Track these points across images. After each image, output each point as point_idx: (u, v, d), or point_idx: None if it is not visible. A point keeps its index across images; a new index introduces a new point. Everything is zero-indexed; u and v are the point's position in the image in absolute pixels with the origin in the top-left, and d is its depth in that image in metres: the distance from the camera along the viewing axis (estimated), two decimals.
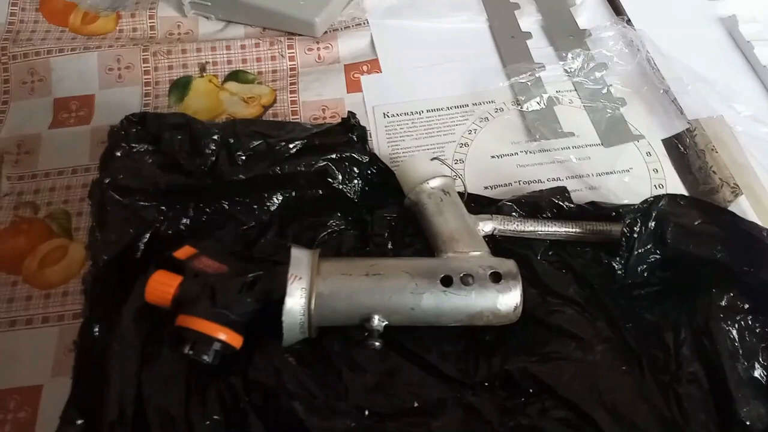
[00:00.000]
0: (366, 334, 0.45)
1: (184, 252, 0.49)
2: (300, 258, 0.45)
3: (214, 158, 0.51)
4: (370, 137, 0.61)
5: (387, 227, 0.53)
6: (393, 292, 0.45)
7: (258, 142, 0.52)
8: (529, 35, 0.69)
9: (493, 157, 0.60)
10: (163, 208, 0.53)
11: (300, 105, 0.64)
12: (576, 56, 0.64)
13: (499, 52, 0.68)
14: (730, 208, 0.53)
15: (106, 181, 0.51)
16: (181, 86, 0.66)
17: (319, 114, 0.63)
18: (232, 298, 0.45)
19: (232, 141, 0.52)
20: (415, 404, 0.44)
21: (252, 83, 0.66)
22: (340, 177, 0.54)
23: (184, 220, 0.53)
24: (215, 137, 0.52)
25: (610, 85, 0.64)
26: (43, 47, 0.68)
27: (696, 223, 0.46)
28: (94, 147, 0.61)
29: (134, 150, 0.53)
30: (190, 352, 0.43)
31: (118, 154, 0.53)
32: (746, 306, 0.46)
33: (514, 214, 0.52)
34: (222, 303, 0.44)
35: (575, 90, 0.64)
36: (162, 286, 0.46)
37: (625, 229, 0.47)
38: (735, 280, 0.46)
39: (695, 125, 0.59)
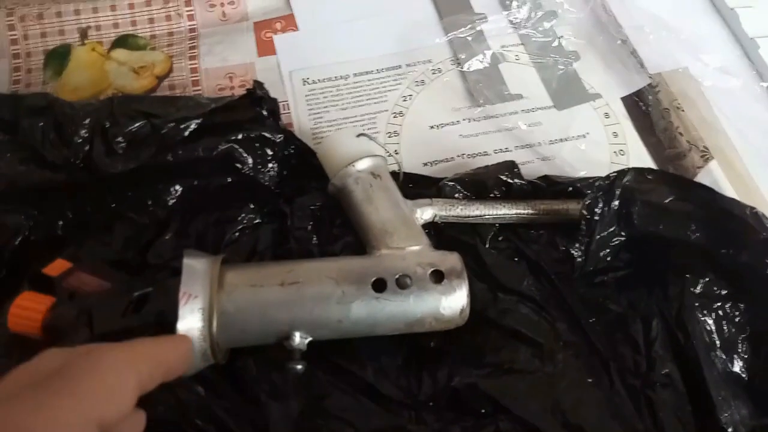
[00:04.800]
0: (286, 354, 0.37)
1: (55, 267, 0.40)
2: (195, 269, 0.37)
3: (87, 147, 0.42)
4: (288, 109, 0.52)
5: (310, 218, 0.45)
6: (315, 303, 0.37)
7: (140, 124, 0.42)
8: None
9: (431, 127, 0.52)
10: (32, 211, 0.43)
11: (202, 73, 0.54)
12: (522, 4, 0.56)
13: (434, 1, 0.59)
14: (699, 175, 0.47)
15: None
16: (58, 57, 0.55)
17: (225, 83, 0.53)
18: (114, 324, 0.36)
19: (107, 125, 0.42)
20: None
21: (144, 49, 0.55)
22: (250, 161, 0.45)
23: (62, 224, 0.44)
24: (86, 121, 0.42)
25: (561, 36, 0.56)
26: None
27: (667, 200, 0.39)
28: None
29: None
30: None
31: None
32: (723, 292, 0.40)
33: (457, 195, 0.45)
34: (101, 330, 0.36)
35: (522, 44, 0.56)
36: (27, 312, 0.37)
37: (584, 210, 0.40)
38: (711, 262, 0.40)
39: (658, 80, 0.52)
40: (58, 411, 0.25)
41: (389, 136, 0.51)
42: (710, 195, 0.39)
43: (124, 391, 0.28)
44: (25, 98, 0.43)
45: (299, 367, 0.37)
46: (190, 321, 0.35)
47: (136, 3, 0.57)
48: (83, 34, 0.56)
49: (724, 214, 0.38)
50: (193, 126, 0.43)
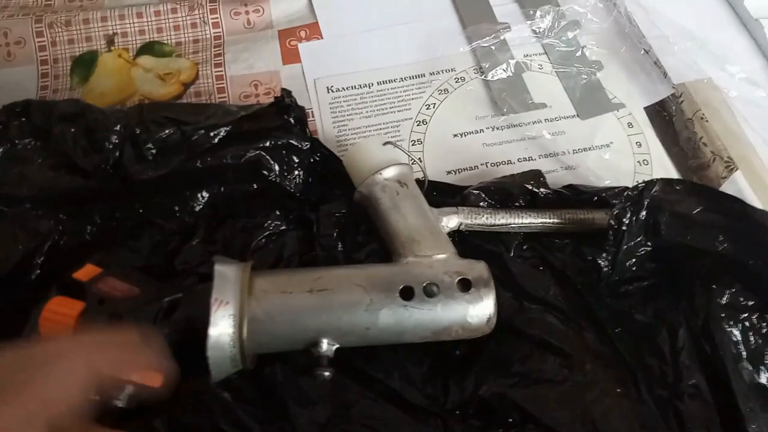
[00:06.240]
0: (314, 361, 0.37)
1: (85, 272, 0.40)
2: (226, 276, 0.37)
3: (117, 154, 0.42)
4: (312, 117, 0.53)
5: (336, 225, 0.46)
6: (343, 310, 0.37)
7: (171, 131, 0.43)
8: None
9: (455, 135, 0.52)
10: (62, 216, 0.44)
11: (227, 80, 0.54)
12: (545, 14, 0.56)
13: (457, 10, 0.59)
14: (724, 185, 0.47)
15: None
16: (84, 63, 0.55)
17: (250, 91, 0.54)
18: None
19: (138, 131, 0.42)
20: None
21: (169, 56, 0.56)
22: (276, 168, 0.46)
23: (91, 230, 0.44)
24: (117, 128, 0.42)
25: (584, 46, 0.56)
26: None
27: (695, 210, 0.39)
28: None
29: (18, 148, 0.43)
30: (97, 398, 0.35)
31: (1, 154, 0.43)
32: (750, 303, 0.40)
33: (482, 204, 0.45)
34: None
35: (545, 53, 0.56)
36: (58, 316, 0.37)
37: (612, 221, 0.40)
38: (738, 273, 0.40)
39: (682, 90, 0.52)
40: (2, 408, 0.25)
41: (413, 144, 0.51)
42: (739, 206, 0.39)
43: (73, 386, 0.28)
44: (58, 104, 0.44)
45: (327, 374, 0.37)
46: (222, 327, 0.35)
47: (162, 10, 0.57)
48: (110, 40, 0.57)
49: (753, 226, 0.38)
50: (221, 133, 0.44)
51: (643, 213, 0.40)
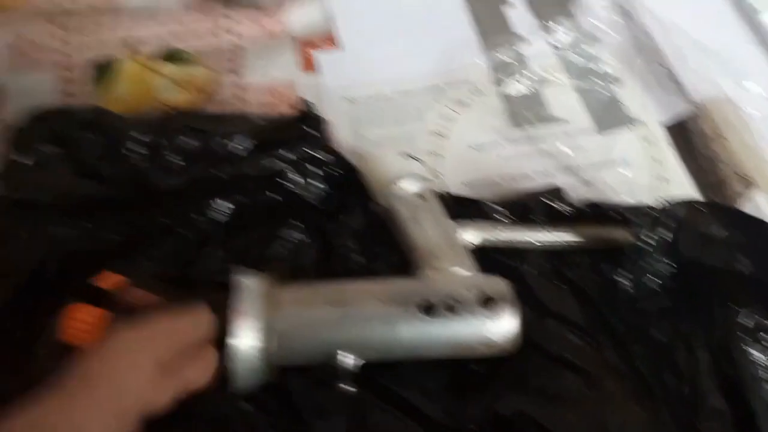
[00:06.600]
0: (334, 374, 0.37)
1: (110, 281, 0.40)
2: (247, 287, 0.37)
3: (137, 162, 0.42)
4: (329, 127, 0.53)
5: (354, 236, 0.46)
6: (362, 324, 0.37)
7: (191, 140, 0.43)
8: (509, 3, 0.61)
9: (472, 147, 0.52)
10: (80, 223, 0.43)
11: (245, 89, 0.55)
12: (563, 27, 0.56)
13: (475, 23, 0.59)
14: (741, 203, 0.47)
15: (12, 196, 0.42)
16: (104, 70, 0.55)
17: (267, 99, 0.54)
18: None
19: (160, 140, 0.42)
20: None
21: (188, 64, 0.56)
22: (296, 178, 0.46)
23: (108, 237, 0.44)
24: (137, 135, 0.42)
25: (602, 60, 0.56)
26: None
27: (715, 230, 0.40)
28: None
29: (38, 154, 0.43)
30: None
31: (25, 161, 0.43)
32: None
33: (499, 217, 0.45)
34: None
35: (563, 67, 0.56)
36: (84, 324, 0.37)
37: (633, 239, 0.40)
38: (757, 292, 0.40)
39: (699, 106, 0.52)
40: (74, 411, 0.27)
41: (430, 156, 0.52)
42: (759, 225, 0.39)
43: (141, 375, 0.29)
44: (78, 111, 0.44)
45: (350, 389, 0.37)
46: (243, 339, 0.35)
47: (182, 18, 0.57)
48: (129, 47, 0.57)
49: None
50: (243, 144, 0.44)
51: (665, 232, 0.40)
